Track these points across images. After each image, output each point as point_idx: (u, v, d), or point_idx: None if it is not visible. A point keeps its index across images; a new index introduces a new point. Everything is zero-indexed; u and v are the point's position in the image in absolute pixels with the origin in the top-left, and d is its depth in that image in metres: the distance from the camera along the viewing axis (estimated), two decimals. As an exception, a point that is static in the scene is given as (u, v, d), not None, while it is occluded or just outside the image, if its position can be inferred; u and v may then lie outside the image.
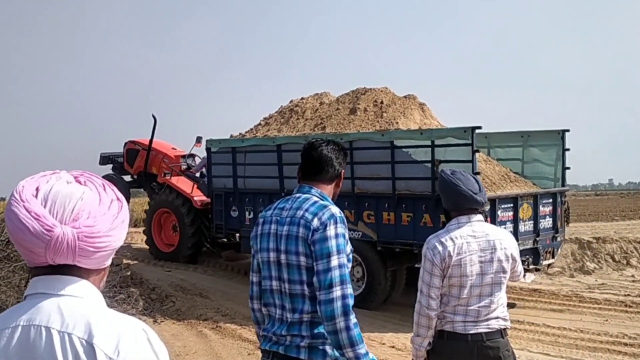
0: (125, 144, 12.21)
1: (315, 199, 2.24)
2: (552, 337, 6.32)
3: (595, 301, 7.95)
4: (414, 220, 7.16)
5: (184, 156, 11.52)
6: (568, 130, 7.99)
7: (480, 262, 2.57)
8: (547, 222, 7.67)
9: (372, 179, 7.45)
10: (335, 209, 2.19)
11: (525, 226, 7.30)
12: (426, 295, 2.58)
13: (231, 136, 9.55)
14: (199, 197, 10.07)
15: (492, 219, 6.82)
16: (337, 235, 2.12)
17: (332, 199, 2.33)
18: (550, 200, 7.72)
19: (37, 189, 1.05)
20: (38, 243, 1.01)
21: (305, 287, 2.15)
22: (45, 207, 1.03)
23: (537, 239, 7.38)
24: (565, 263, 10.33)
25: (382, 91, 8.62)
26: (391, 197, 7.24)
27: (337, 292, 2.06)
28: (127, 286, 7.44)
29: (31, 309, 1.03)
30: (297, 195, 2.30)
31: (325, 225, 2.12)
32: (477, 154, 6.73)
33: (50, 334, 0.99)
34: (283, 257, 2.19)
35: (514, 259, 2.65)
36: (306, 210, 2.19)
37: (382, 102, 8.31)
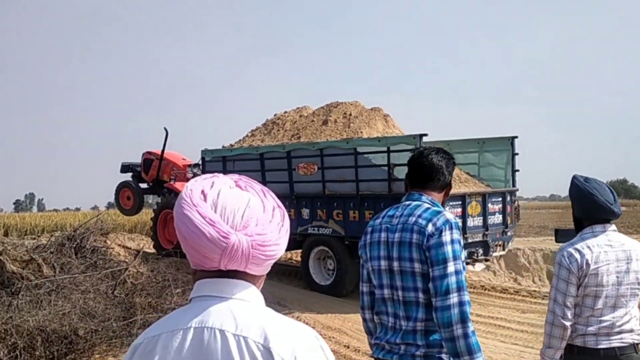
0: (143, 154, 13.52)
1: (427, 205, 2.20)
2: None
3: None
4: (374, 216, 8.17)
5: (190, 165, 12.76)
6: (517, 137, 8.95)
7: (617, 272, 2.48)
8: (496, 218, 8.60)
9: (339, 181, 8.51)
10: (449, 215, 2.16)
11: (474, 221, 8.24)
12: (561, 304, 2.47)
13: (223, 147, 10.69)
14: (197, 201, 11.25)
15: (440, 214, 7.82)
16: (452, 241, 2.09)
17: None
18: (500, 199, 8.66)
19: (202, 193, 1.05)
20: (214, 249, 1.01)
21: (420, 294, 2.12)
22: (215, 212, 1.03)
23: (486, 233, 8.32)
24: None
25: (352, 104, 9.73)
26: (355, 197, 8.28)
27: (454, 298, 2.03)
28: (207, 294, 7.97)
29: (202, 312, 1.03)
30: (407, 202, 2.26)
31: (441, 231, 2.09)
32: (425, 158, 7.73)
33: (225, 336, 0.99)
34: (395, 264, 2.16)
35: None
36: (419, 216, 2.15)
37: (350, 114, 9.41)
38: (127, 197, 13.29)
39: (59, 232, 18.02)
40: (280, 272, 10.52)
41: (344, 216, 8.50)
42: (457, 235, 2.12)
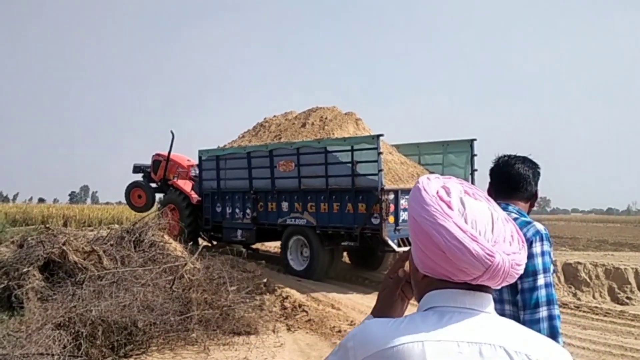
0: (153, 156, 14.81)
1: (515, 215, 2.14)
2: None
3: None
4: (341, 208, 9.22)
5: (193, 166, 14.00)
6: (475, 140, 9.86)
7: None
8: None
9: (312, 177, 9.58)
10: (540, 226, 2.08)
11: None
12: None
13: (218, 147, 11.88)
14: (196, 196, 12.46)
15: (395, 206, 8.80)
16: (543, 253, 2.02)
17: None
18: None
19: (441, 199, 1.00)
20: (477, 266, 0.95)
21: (506, 306, 2.04)
22: (466, 223, 0.97)
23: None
24: None
25: (329, 109, 10.83)
26: (325, 191, 9.33)
27: (543, 312, 1.96)
28: (261, 293, 7.69)
29: (471, 325, 0.98)
30: None
31: (531, 242, 2.01)
32: (382, 156, 8.73)
33: (509, 354, 0.95)
34: None
35: None
36: None
37: (326, 118, 10.48)
38: (139, 196, 14.55)
39: (116, 225, 19.03)
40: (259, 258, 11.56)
41: (316, 208, 9.56)
42: (547, 247, 2.05)
